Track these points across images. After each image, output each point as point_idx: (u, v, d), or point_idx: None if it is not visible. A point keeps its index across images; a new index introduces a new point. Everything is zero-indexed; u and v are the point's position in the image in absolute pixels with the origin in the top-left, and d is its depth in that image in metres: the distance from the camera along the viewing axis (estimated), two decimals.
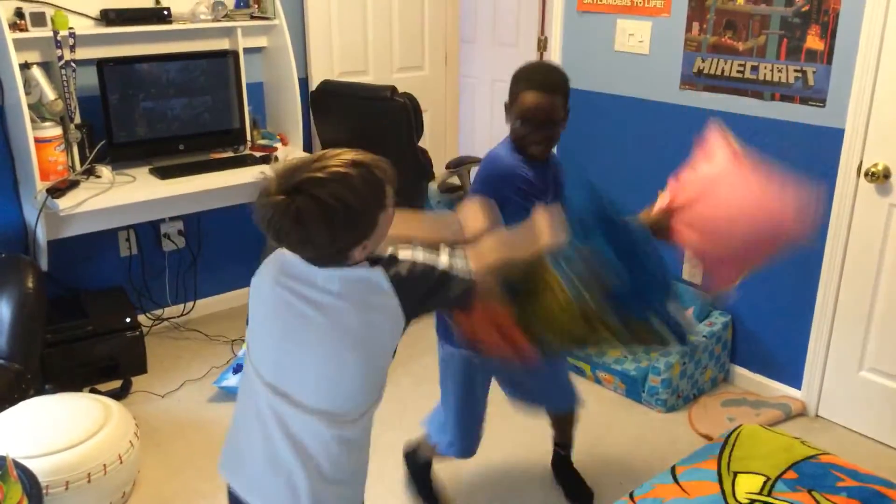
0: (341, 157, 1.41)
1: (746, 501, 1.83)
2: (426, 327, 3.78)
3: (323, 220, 1.35)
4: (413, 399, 3.10)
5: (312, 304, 1.47)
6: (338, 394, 1.50)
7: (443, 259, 1.53)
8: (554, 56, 3.70)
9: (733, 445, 2.07)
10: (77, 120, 3.12)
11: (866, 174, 2.76)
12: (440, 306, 1.86)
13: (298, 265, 1.48)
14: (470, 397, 2.33)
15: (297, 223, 1.36)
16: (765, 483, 1.89)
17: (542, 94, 2.04)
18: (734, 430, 2.15)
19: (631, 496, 1.97)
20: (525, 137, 2.09)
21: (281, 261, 1.52)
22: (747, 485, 1.89)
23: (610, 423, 3.05)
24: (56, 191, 2.94)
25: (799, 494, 1.84)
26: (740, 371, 3.31)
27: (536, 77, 2.11)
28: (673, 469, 2.03)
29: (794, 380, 3.13)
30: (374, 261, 1.49)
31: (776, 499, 1.83)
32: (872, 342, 2.89)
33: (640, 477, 2.43)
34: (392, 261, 1.50)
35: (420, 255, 1.52)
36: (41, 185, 2.97)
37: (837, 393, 3.02)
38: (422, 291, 1.51)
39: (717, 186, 1.84)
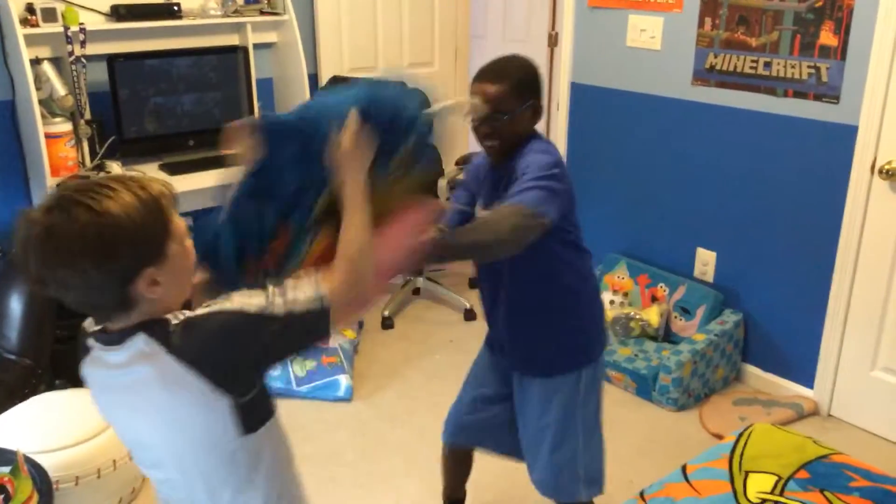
0: (120, 180, 1.19)
1: (758, 501, 1.82)
2: (432, 323, 3.79)
3: (80, 237, 1.12)
4: (424, 396, 3.10)
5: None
6: None
7: (255, 301, 1.21)
8: (565, 52, 3.68)
9: (745, 445, 2.05)
10: (87, 115, 3.13)
11: (880, 171, 2.73)
12: (277, 356, 1.32)
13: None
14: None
15: (48, 243, 1.12)
16: (776, 482, 1.88)
17: (481, 84, 1.85)
18: (746, 430, 2.13)
19: (641, 495, 1.96)
20: (475, 133, 1.90)
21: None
22: (759, 484, 1.88)
23: (620, 421, 3.03)
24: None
25: (811, 494, 1.83)
26: (752, 370, 3.29)
27: (485, 67, 1.91)
28: (684, 468, 2.02)
29: (807, 379, 3.11)
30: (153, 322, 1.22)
31: (788, 498, 1.82)
32: (885, 341, 2.87)
33: (651, 476, 2.42)
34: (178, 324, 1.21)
35: (227, 303, 1.22)
36: (51, 181, 2.97)
37: (850, 392, 3.00)
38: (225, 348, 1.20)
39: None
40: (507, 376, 2.12)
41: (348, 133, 1.35)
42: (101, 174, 3.11)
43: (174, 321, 1.21)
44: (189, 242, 1.27)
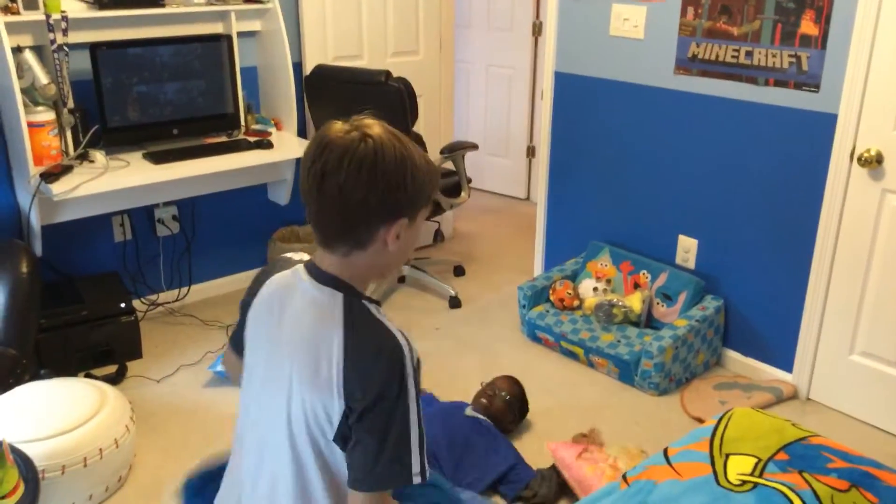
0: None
1: (738, 482, 1.85)
2: (417, 311, 3.80)
3: (393, 161, 1.28)
4: None
5: None
6: None
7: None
8: (549, 41, 3.69)
9: (725, 428, 2.09)
10: (70, 104, 3.11)
11: (859, 159, 2.77)
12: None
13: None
14: None
15: (363, 168, 1.26)
16: (756, 464, 1.91)
17: None
18: (726, 413, 2.17)
19: (624, 477, 1.99)
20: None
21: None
22: (739, 466, 1.91)
23: (603, 406, 3.07)
24: (50, 176, 2.93)
25: (790, 475, 1.86)
26: (732, 355, 3.34)
27: None
28: (666, 451, 2.05)
29: (786, 363, 3.16)
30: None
31: (767, 480, 1.85)
32: (863, 326, 2.91)
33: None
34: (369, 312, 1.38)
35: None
36: (34, 170, 2.96)
37: (828, 376, 3.05)
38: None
39: None
40: None
41: None
42: (85, 163, 3.11)
43: (367, 303, 1.36)
44: (421, 226, 1.38)
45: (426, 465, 1.32)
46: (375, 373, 1.29)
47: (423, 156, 1.34)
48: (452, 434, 2.59)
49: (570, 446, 2.59)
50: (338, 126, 1.31)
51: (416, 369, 1.33)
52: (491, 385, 2.86)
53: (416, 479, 1.30)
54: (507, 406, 2.81)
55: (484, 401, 2.80)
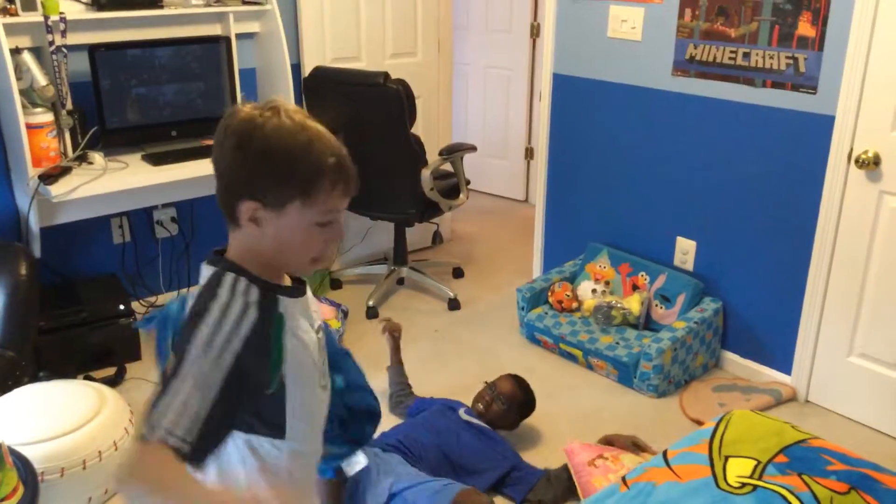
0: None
1: (737, 485, 1.85)
2: (416, 313, 3.80)
3: (251, 145, 1.21)
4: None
5: None
6: None
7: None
8: (547, 43, 3.70)
9: (724, 430, 2.09)
10: (69, 106, 3.10)
11: (856, 161, 2.77)
12: None
13: None
14: None
15: (232, 139, 1.22)
16: (755, 467, 1.91)
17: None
18: (725, 415, 2.17)
19: (623, 480, 1.99)
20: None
21: None
22: (738, 468, 1.91)
23: (602, 408, 3.07)
24: (48, 177, 2.93)
25: (789, 478, 1.86)
26: (731, 357, 3.34)
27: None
28: (665, 453, 2.05)
29: (785, 365, 3.16)
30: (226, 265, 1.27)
31: (767, 482, 1.85)
32: (862, 328, 2.92)
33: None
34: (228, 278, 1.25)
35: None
36: (33, 172, 2.95)
37: (827, 378, 3.05)
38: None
39: None
40: None
41: None
42: (84, 164, 3.10)
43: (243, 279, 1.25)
44: (316, 230, 1.26)
45: (193, 440, 1.14)
46: (185, 328, 1.22)
47: (317, 149, 1.22)
48: (443, 436, 2.57)
49: (586, 449, 2.55)
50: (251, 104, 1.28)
51: (245, 345, 1.20)
52: (492, 387, 2.83)
53: (171, 441, 1.12)
54: (504, 412, 2.78)
55: (480, 406, 2.78)
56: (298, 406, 1.32)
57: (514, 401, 2.81)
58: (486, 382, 2.88)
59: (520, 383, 2.88)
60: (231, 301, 1.23)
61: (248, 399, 1.23)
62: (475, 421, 2.71)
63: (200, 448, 1.15)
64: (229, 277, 1.26)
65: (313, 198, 1.23)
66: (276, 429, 1.30)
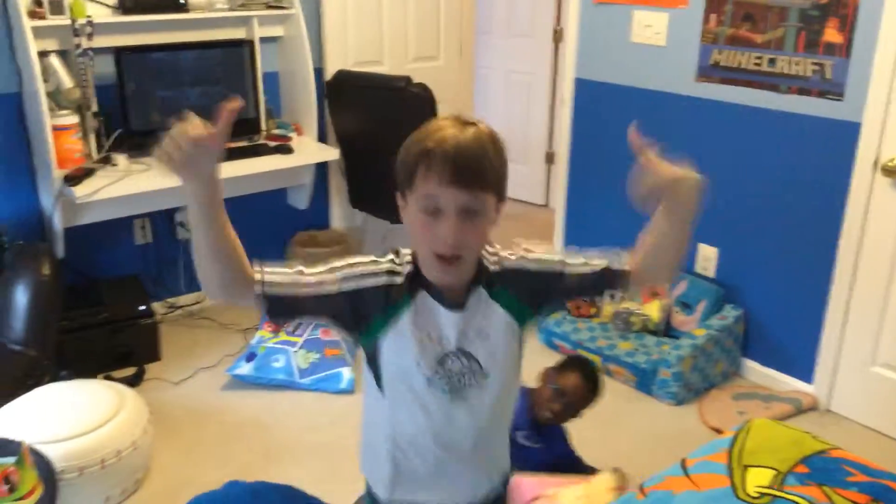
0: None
1: (757, 495, 1.83)
2: None
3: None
4: None
5: None
6: None
7: None
8: (569, 47, 3.69)
9: (744, 439, 2.06)
10: (94, 108, 3.14)
11: (883, 169, 2.74)
12: None
13: None
14: None
15: None
16: (775, 477, 1.89)
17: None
18: (745, 424, 2.14)
19: (641, 488, 1.97)
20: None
21: None
22: (758, 478, 1.89)
23: (620, 415, 3.05)
24: (72, 178, 2.96)
25: (809, 489, 1.84)
26: (751, 365, 3.30)
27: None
28: (683, 462, 2.03)
29: (806, 374, 3.12)
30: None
31: (786, 493, 1.83)
32: (886, 337, 2.88)
33: (650, 469, 2.43)
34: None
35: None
36: (58, 173, 2.99)
37: (849, 388, 3.01)
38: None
39: None
40: None
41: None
42: (108, 166, 3.14)
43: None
44: (423, 220, 1.32)
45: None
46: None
47: (423, 136, 1.32)
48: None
49: (530, 488, 2.26)
50: None
51: (367, 290, 1.37)
52: (560, 393, 2.42)
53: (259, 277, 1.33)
54: (573, 413, 2.46)
55: (548, 414, 2.43)
56: (391, 382, 1.38)
57: (585, 400, 2.46)
58: (546, 372, 2.49)
59: (586, 374, 2.46)
60: (391, 260, 1.40)
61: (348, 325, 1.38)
62: (533, 446, 2.42)
63: (272, 303, 1.32)
64: (403, 249, 1.41)
65: (415, 184, 1.30)
66: (377, 378, 1.39)
